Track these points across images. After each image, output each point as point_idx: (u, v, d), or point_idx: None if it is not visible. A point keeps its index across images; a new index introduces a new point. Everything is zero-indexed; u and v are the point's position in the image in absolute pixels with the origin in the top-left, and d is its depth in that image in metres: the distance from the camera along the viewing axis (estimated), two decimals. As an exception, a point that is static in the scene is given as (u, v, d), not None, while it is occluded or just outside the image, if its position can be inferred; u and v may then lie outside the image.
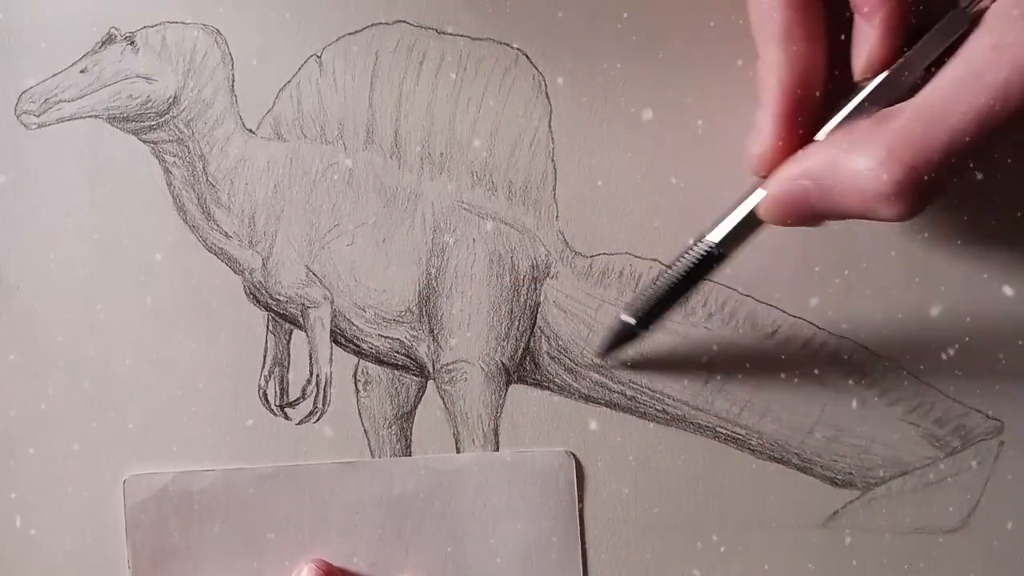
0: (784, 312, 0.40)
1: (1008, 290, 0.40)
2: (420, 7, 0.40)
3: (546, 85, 0.40)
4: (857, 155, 0.32)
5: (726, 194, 0.40)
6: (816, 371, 0.40)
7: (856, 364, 0.40)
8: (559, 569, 0.39)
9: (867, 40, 0.34)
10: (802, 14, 0.34)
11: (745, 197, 0.36)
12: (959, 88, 0.31)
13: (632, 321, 0.38)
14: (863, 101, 0.34)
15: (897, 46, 0.34)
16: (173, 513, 0.39)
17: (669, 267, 0.37)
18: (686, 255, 0.37)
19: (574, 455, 0.40)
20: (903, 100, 0.32)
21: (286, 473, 0.39)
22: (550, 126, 0.40)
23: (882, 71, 0.34)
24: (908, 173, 0.31)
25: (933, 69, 0.33)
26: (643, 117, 0.40)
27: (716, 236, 0.36)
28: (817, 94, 0.35)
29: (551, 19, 0.40)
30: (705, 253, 0.36)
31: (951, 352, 0.40)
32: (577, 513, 0.40)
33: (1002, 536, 0.40)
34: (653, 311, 0.38)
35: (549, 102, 0.40)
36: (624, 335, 0.39)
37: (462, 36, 0.40)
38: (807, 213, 0.34)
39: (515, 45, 0.40)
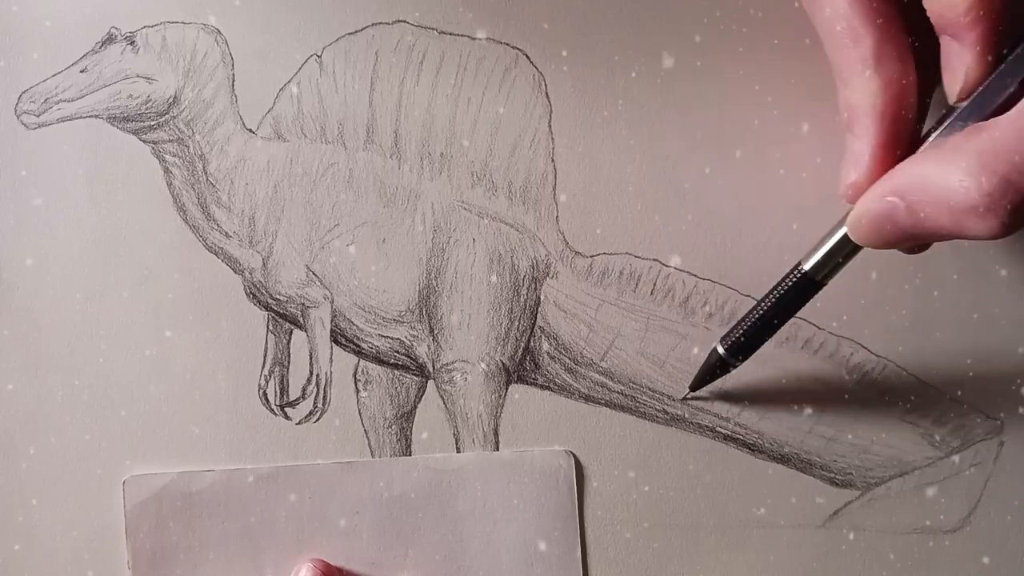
0: (784, 312, 0.40)
1: (1008, 290, 0.40)
2: (420, 7, 0.40)
3: (546, 85, 0.40)
4: (947, 168, 0.30)
5: (726, 191, 0.40)
6: (816, 371, 0.40)
7: (856, 364, 0.40)
8: (559, 569, 0.39)
9: (961, 61, 0.32)
10: (891, 34, 0.33)
11: (839, 223, 0.35)
12: None
13: (726, 353, 0.38)
14: (956, 119, 0.32)
15: (994, 64, 0.32)
16: (173, 514, 0.39)
17: (764, 297, 0.37)
18: (781, 285, 0.36)
19: (574, 455, 0.40)
20: (998, 114, 0.31)
21: (286, 473, 0.39)
22: (550, 126, 0.40)
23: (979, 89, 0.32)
24: (1000, 185, 0.29)
25: None
26: (644, 116, 0.40)
27: (810, 263, 0.35)
28: (912, 118, 0.34)
29: (551, 19, 0.40)
30: (799, 282, 0.36)
31: (951, 352, 0.40)
32: (577, 512, 0.40)
33: (1002, 536, 0.40)
34: (748, 343, 0.37)
35: (549, 102, 0.40)
36: (717, 367, 0.39)
37: (462, 36, 0.40)
38: (897, 232, 0.32)
39: (515, 45, 0.40)
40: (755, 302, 0.37)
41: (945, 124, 0.33)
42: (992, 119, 0.31)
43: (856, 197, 0.34)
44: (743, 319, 0.38)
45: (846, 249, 0.35)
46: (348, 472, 0.40)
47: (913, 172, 0.32)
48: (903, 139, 0.34)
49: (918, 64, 0.34)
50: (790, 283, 0.36)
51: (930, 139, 0.33)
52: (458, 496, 0.40)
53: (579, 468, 0.40)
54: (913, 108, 0.34)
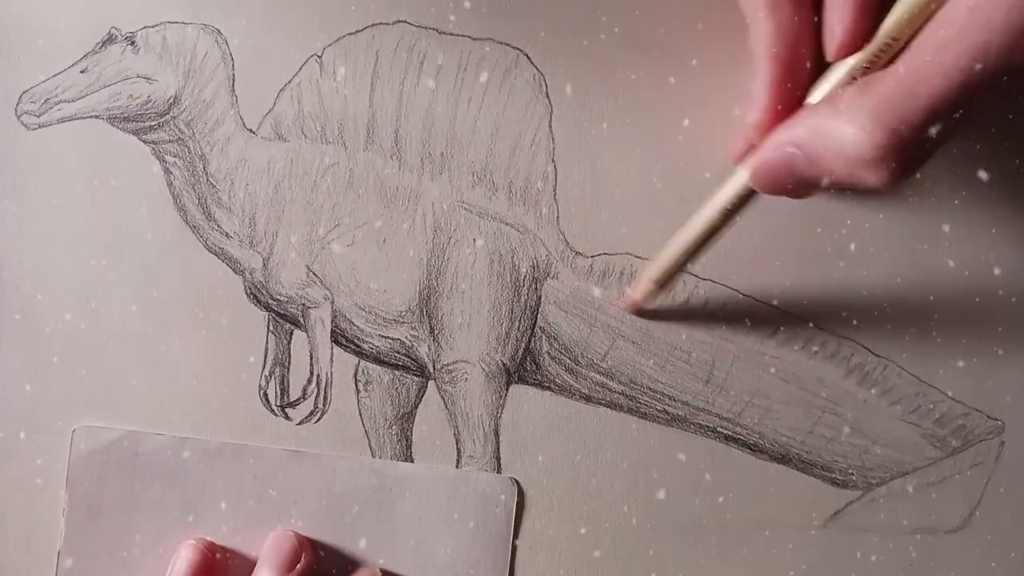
0: (784, 312, 0.40)
1: (1008, 292, 0.40)
2: (420, 7, 0.40)
3: (546, 85, 0.40)
4: (841, 121, 0.32)
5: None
6: (816, 371, 0.40)
7: (856, 364, 0.40)
8: None
9: (839, 20, 0.33)
10: None
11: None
12: (938, 51, 0.30)
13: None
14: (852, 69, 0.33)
15: (870, 27, 0.33)
16: (116, 469, 0.39)
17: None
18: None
19: (518, 483, 0.40)
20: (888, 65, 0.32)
21: (233, 450, 0.39)
22: (551, 126, 0.40)
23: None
24: (891, 137, 0.31)
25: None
26: (644, 116, 0.40)
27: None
28: (807, 63, 0.34)
29: (551, 19, 0.40)
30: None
31: (951, 352, 0.40)
32: (510, 542, 0.40)
33: (1002, 536, 0.40)
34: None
35: (549, 102, 0.40)
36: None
37: (462, 36, 0.40)
38: (793, 181, 0.34)
39: (515, 45, 0.40)
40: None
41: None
42: (880, 72, 0.32)
43: (755, 140, 0.35)
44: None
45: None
46: (294, 461, 0.39)
47: (810, 123, 0.33)
48: (797, 84, 0.34)
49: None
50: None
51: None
52: (396, 503, 0.39)
53: (521, 499, 0.40)
54: (808, 55, 0.34)
